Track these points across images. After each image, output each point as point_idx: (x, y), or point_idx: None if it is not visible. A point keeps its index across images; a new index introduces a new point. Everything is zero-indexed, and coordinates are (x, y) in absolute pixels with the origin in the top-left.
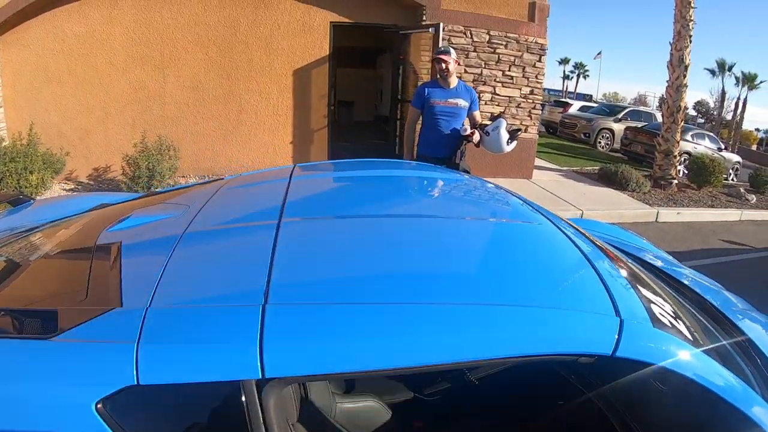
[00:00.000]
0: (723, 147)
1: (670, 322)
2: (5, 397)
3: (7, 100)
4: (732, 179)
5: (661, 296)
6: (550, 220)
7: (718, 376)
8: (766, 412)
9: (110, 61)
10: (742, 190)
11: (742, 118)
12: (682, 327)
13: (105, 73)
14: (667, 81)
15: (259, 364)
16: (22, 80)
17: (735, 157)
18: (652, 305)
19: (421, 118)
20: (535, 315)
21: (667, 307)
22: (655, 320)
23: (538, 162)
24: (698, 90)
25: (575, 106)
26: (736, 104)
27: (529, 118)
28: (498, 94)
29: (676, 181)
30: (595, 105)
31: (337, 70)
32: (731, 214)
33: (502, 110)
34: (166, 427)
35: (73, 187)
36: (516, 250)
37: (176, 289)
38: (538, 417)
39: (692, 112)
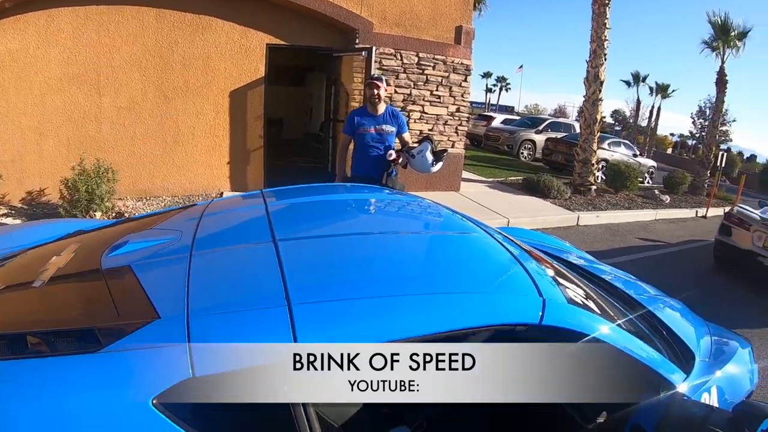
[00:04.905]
0: (638, 153)
1: (582, 301)
2: (61, 411)
3: None
4: (648, 182)
5: (574, 283)
6: (485, 231)
7: (625, 341)
8: (671, 368)
9: (45, 80)
10: (656, 191)
11: (656, 124)
12: (591, 304)
13: (39, 92)
14: (584, 96)
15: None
16: None
17: (650, 162)
18: (567, 290)
19: (353, 142)
20: (484, 298)
21: (579, 291)
22: (569, 300)
23: (465, 175)
24: (615, 98)
25: (498, 119)
26: (651, 112)
27: (455, 135)
28: (426, 113)
29: (594, 187)
30: (517, 117)
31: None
32: (647, 215)
33: (429, 131)
34: (217, 413)
35: (6, 212)
36: (464, 255)
37: (205, 298)
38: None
39: (610, 120)
